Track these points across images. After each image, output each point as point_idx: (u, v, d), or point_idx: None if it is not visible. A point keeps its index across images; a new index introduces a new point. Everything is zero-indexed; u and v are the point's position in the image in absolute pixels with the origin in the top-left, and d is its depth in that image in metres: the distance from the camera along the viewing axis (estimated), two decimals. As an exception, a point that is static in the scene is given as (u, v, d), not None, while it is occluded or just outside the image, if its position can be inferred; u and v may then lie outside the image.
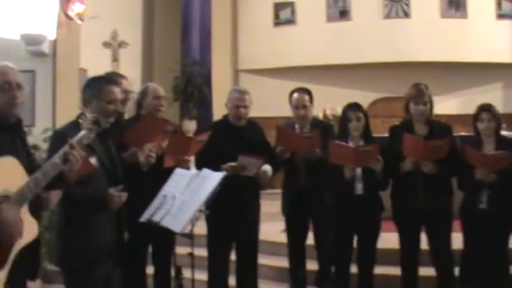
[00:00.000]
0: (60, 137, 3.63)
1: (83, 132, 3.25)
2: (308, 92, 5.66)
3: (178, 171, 4.48)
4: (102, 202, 3.70)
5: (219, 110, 10.19)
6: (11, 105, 3.16)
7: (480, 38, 11.65)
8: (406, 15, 11.83)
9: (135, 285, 4.80)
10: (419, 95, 5.04)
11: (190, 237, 4.16)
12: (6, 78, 3.17)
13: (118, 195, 3.74)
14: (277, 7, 12.46)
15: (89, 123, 3.30)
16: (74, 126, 3.74)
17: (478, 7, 11.79)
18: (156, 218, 4.12)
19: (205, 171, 4.32)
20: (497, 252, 4.85)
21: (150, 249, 5.03)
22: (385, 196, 5.18)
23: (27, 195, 2.76)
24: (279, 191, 5.80)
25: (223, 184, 4.17)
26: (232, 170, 4.83)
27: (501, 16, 11.89)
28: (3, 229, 2.54)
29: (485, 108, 5.00)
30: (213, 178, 4.19)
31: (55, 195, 3.09)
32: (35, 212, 2.92)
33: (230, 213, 4.97)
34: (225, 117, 5.32)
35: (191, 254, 4.32)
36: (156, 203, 4.24)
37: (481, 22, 11.77)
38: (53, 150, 3.61)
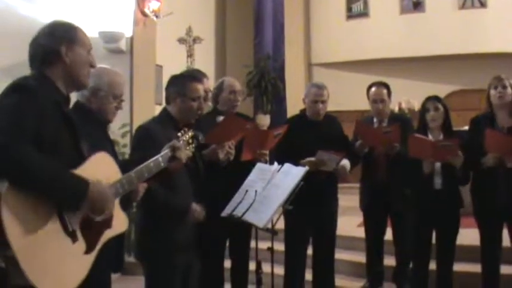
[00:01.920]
0: (146, 133, 3.73)
1: (189, 132, 3.36)
2: (386, 86, 5.61)
3: (260, 166, 4.51)
4: (182, 214, 3.77)
5: (292, 104, 10.24)
6: (114, 114, 3.43)
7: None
8: (482, 5, 11.50)
9: (213, 278, 4.86)
10: (498, 79, 4.93)
11: (272, 232, 4.17)
12: (121, 91, 3.41)
13: (199, 212, 3.81)
14: (350, 0, 12.36)
15: (189, 137, 3.41)
16: (159, 123, 3.83)
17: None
18: (238, 213, 4.16)
19: (287, 166, 4.32)
20: None
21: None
22: (465, 191, 5.08)
23: (119, 190, 2.83)
24: (356, 185, 5.78)
25: (304, 179, 4.16)
26: (311, 165, 4.81)
27: None
28: (95, 203, 2.61)
29: None
30: (295, 173, 4.19)
31: (142, 188, 3.16)
32: (125, 203, 3.00)
33: (308, 208, 4.96)
34: (302, 112, 5.32)
35: (271, 249, 4.33)
36: (237, 197, 4.27)
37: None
38: (139, 145, 3.72)
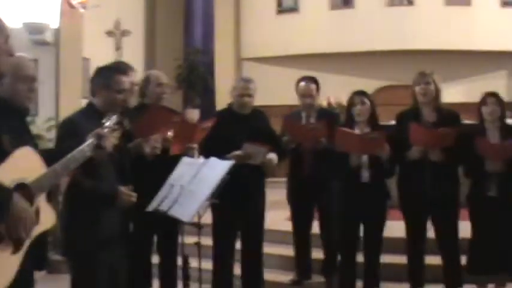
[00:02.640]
0: (71, 125, 3.64)
1: (113, 119, 3.27)
2: (315, 80, 5.66)
3: (185, 160, 4.46)
4: (111, 199, 3.68)
5: (222, 99, 10.20)
6: (27, 98, 3.15)
7: (484, 25, 11.56)
8: (410, 2, 11.73)
9: (141, 274, 4.79)
10: (422, 76, 5.04)
11: (198, 226, 4.14)
12: (27, 72, 3.18)
13: (128, 194, 3.72)
14: (280, -6, 12.40)
15: (113, 124, 3.32)
16: (83, 115, 3.74)
17: (482, -6, 11.72)
18: (164, 207, 4.11)
19: (213, 160, 4.30)
20: (506, 241, 4.82)
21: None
22: (392, 184, 5.16)
23: (44, 184, 2.76)
24: (284, 179, 5.80)
25: (230, 173, 4.14)
26: (238, 158, 4.80)
27: (506, 4, 11.82)
28: (14, 220, 2.53)
29: (491, 93, 5.00)
30: (221, 167, 4.17)
31: (63, 181, 3.09)
32: (49, 196, 2.92)
33: (236, 202, 4.95)
34: (230, 106, 5.30)
35: (198, 244, 4.30)
36: (163, 192, 4.23)
37: (485, 10, 11.68)
38: (63, 137, 3.61)
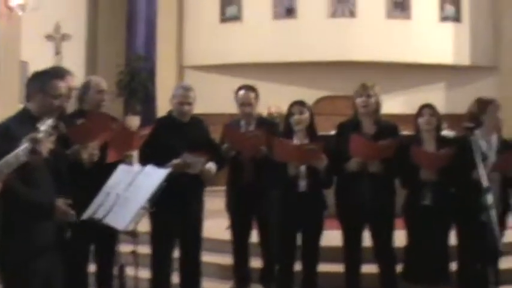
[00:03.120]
0: (4, 130, 3.55)
1: (48, 122, 3.20)
2: (254, 89, 5.68)
3: (122, 168, 4.41)
4: (47, 211, 3.60)
5: (163, 106, 10.08)
6: None
7: (423, 39, 11.86)
8: (352, 14, 11.90)
9: (76, 283, 4.70)
10: (363, 88, 5.10)
11: (133, 235, 4.10)
12: None
13: (64, 211, 3.64)
14: (224, 3, 12.34)
15: (49, 128, 3.25)
16: (18, 120, 3.66)
17: (422, 9, 11.98)
18: (99, 216, 4.05)
19: (149, 168, 4.26)
20: (440, 248, 4.94)
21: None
22: (330, 194, 5.21)
23: None
24: (223, 188, 5.79)
25: (167, 181, 4.11)
26: (177, 167, 4.78)
27: (444, 19, 12.15)
28: None
29: (427, 105, 5.10)
30: (157, 175, 4.13)
31: None
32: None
33: (173, 210, 4.92)
34: (169, 113, 5.27)
35: (134, 252, 4.25)
36: (98, 200, 4.17)
37: (424, 24, 11.99)
38: None
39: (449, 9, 12.14)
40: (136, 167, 4.37)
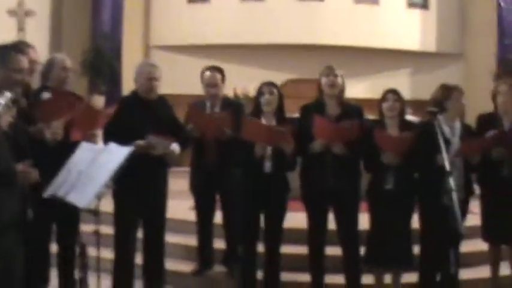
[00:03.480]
0: None
1: (7, 95, 3.14)
2: (220, 70, 5.65)
3: (84, 146, 4.34)
4: (7, 177, 3.54)
5: (128, 86, 9.95)
6: None
7: (391, 25, 11.95)
8: (320, -2, 11.90)
9: (38, 263, 4.64)
10: (330, 68, 5.11)
11: (95, 213, 4.05)
12: None
13: (26, 171, 3.59)
14: (193, -17, 12.27)
15: (8, 102, 3.19)
16: None
17: (390, -5, 12.06)
18: (60, 193, 4.00)
19: (112, 146, 4.21)
20: (402, 232, 4.99)
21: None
22: (295, 176, 5.21)
23: None
24: (188, 169, 5.77)
25: (131, 160, 4.07)
26: (141, 148, 4.74)
27: (412, 5, 12.25)
28: None
29: (391, 90, 5.13)
30: (120, 153, 4.08)
31: None
32: None
33: (137, 191, 4.89)
34: (135, 92, 5.20)
35: (97, 232, 4.21)
36: (60, 177, 4.10)
37: (392, 10, 12.06)
38: None
39: (417, -5, 12.24)
40: (99, 144, 4.32)
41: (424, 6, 12.35)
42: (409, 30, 12.17)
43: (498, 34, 12.12)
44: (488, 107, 5.48)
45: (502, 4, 12.09)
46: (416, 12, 12.27)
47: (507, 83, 5.32)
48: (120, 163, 4.01)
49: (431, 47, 12.38)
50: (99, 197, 4.04)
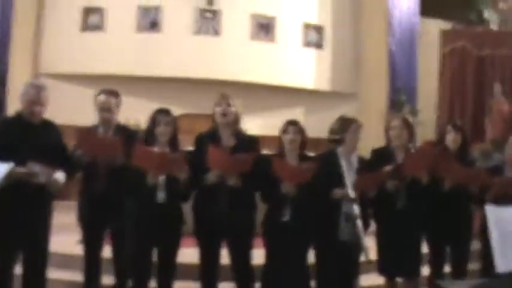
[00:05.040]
0: None
1: None
2: (115, 94, 5.40)
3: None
4: None
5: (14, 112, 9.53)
6: None
7: (286, 63, 12.08)
8: (216, 33, 11.86)
9: None
10: (223, 97, 5.07)
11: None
12: None
13: None
14: (86, 11, 11.89)
15: None
16: None
17: (286, 33, 12.20)
18: None
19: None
20: (298, 266, 4.87)
21: None
22: (188, 211, 5.03)
23: None
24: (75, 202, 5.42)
25: (11, 190, 3.74)
26: (22, 176, 4.43)
27: (307, 44, 12.42)
28: None
29: (292, 122, 5.09)
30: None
31: None
32: None
33: (16, 222, 4.54)
34: (19, 114, 4.85)
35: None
36: None
37: (288, 48, 12.20)
38: None
39: (312, 35, 12.45)
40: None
41: (319, 45, 12.56)
42: (305, 69, 12.35)
43: (389, 76, 12.50)
44: (379, 144, 5.59)
45: (392, 48, 12.50)
46: (312, 52, 12.46)
47: (399, 117, 5.42)
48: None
49: (325, 85, 12.59)
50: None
